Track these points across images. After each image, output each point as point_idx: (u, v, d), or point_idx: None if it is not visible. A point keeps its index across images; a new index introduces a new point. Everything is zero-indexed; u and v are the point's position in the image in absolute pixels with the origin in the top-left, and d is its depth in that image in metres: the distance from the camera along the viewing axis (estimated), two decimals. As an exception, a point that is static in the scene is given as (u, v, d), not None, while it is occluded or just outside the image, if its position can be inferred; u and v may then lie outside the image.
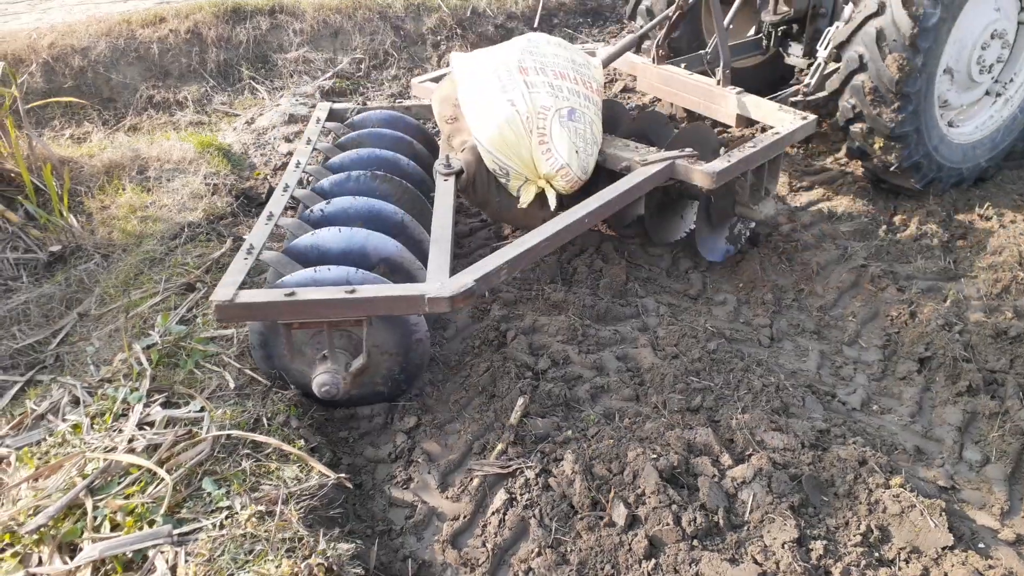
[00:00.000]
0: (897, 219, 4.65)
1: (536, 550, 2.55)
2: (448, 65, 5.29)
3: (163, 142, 5.61)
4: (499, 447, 2.97)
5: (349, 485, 2.75)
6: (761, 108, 4.41)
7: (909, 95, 4.24)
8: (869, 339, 3.77)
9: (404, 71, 7.87)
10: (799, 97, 4.67)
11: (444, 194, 3.72)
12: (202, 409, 2.91)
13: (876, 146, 4.46)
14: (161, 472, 2.56)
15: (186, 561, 2.27)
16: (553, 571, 2.46)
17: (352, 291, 2.81)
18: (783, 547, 2.46)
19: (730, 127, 4.88)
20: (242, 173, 5.43)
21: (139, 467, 2.60)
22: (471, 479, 2.86)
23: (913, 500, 2.60)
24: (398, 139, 4.41)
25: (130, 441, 2.71)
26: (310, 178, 4.08)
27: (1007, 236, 4.33)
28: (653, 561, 2.46)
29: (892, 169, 4.53)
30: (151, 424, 2.83)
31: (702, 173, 3.69)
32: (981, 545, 2.56)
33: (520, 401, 3.15)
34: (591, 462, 2.82)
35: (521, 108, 3.78)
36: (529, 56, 4.00)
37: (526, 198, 3.91)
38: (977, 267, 4.17)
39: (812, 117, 4.22)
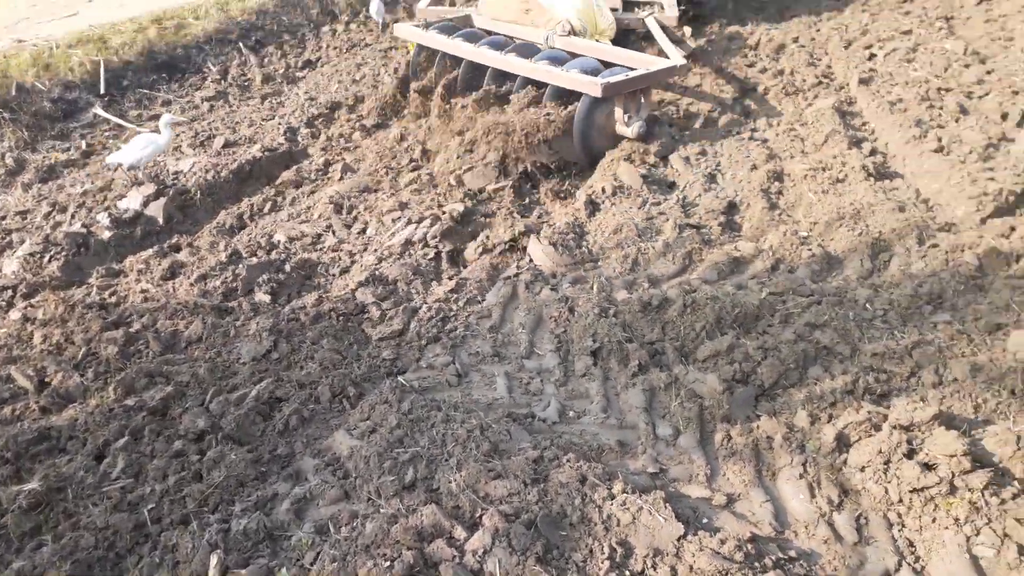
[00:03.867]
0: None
1: None
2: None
3: None
4: (204, 626, 2.43)
5: None
6: None
7: None
8: (543, 346, 3.86)
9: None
10: None
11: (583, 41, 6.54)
12: None
13: None
14: None
15: None
16: None
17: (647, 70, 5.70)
18: (544, 607, 2.34)
19: None
20: None
21: None
22: None
23: (638, 502, 2.65)
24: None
25: None
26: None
27: (622, 213, 4.78)
28: None
29: None
30: None
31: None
32: (705, 520, 2.71)
33: (214, 559, 2.61)
34: (320, 598, 2.43)
35: None
36: None
37: None
38: (607, 249, 4.53)
39: None
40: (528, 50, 6.21)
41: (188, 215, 5.54)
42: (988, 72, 6.53)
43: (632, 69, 5.69)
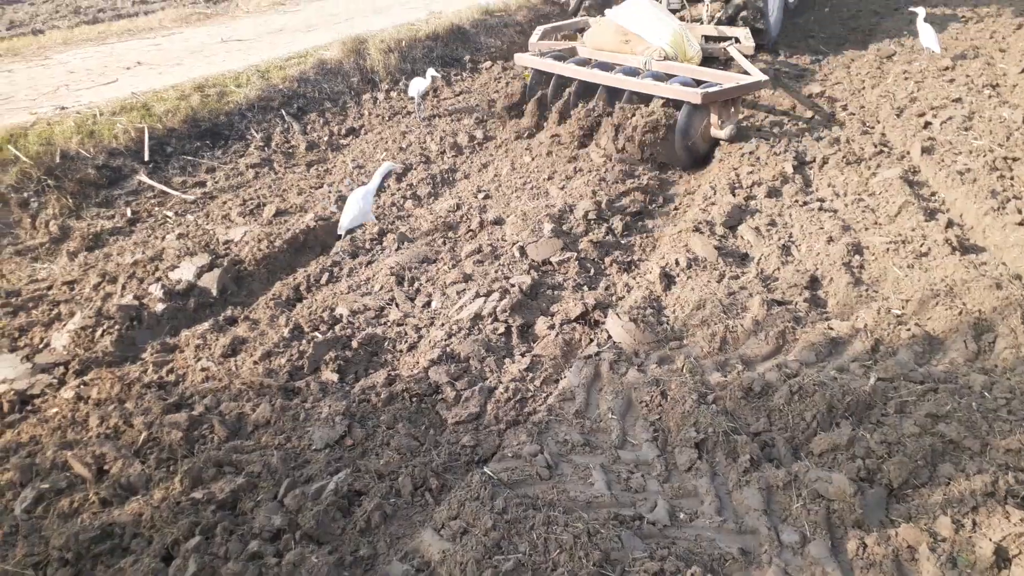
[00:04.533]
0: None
1: None
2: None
3: None
4: None
5: None
6: None
7: None
8: (637, 434, 3.60)
9: (-12, 244, 6.24)
10: None
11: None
12: None
13: None
14: None
15: None
16: None
17: (738, 83, 6.98)
18: None
19: None
20: None
21: None
22: None
23: (786, 628, 2.37)
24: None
25: None
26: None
27: (702, 287, 4.56)
28: None
29: None
30: None
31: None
32: (859, 648, 2.41)
33: None
34: None
35: (675, 26, 8.31)
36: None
37: None
38: (691, 326, 4.30)
39: None
40: (632, 73, 7.55)
41: (242, 286, 5.36)
42: (1053, 141, 6.38)
43: (720, 84, 6.84)
